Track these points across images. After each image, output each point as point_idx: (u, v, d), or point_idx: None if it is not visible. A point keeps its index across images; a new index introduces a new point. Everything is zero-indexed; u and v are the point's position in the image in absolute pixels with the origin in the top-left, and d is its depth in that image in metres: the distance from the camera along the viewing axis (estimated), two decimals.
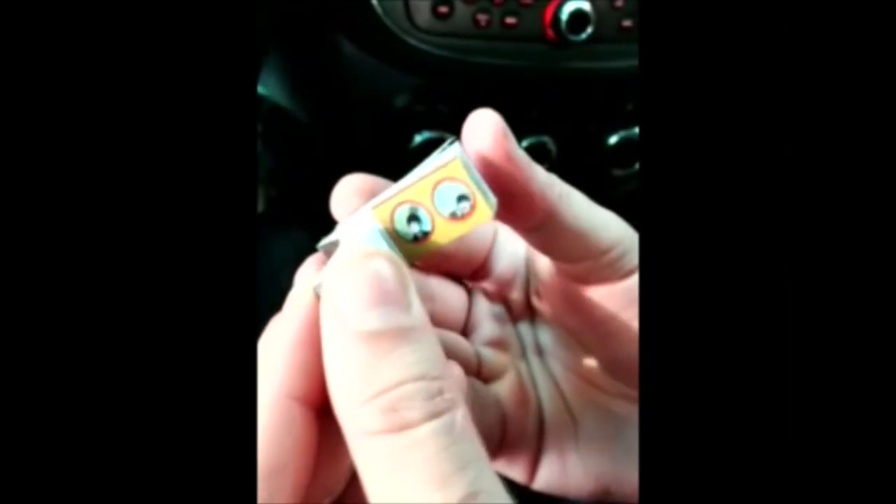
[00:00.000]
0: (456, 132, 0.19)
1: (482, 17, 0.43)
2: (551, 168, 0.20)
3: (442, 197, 0.18)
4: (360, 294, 0.15)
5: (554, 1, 0.43)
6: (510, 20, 0.44)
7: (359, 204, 0.19)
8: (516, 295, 0.25)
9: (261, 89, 0.48)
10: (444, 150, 0.18)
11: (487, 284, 0.25)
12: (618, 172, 0.54)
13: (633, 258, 0.21)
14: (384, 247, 0.18)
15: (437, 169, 0.18)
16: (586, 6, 0.43)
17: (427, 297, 0.24)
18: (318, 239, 0.19)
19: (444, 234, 0.18)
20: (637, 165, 0.54)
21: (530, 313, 0.26)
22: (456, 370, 0.21)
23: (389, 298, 0.15)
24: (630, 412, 0.23)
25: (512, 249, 0.25)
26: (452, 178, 0.18)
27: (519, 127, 0.19)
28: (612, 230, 0.20)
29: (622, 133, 0.52)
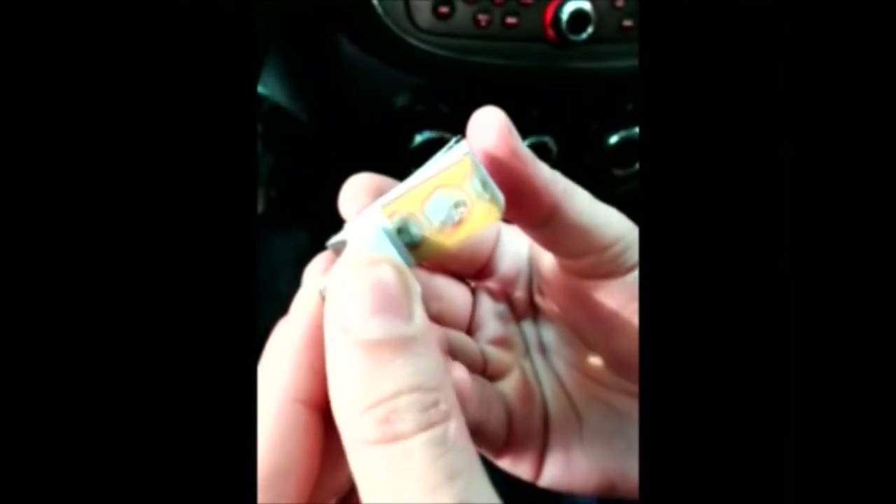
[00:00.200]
0: (456, 132, 0.19)
1: (483, 17, 0.43)
2: (552, 168, 0.20)
3: (450, 199, 0.18)
4: (363, 301, 0.16)
5: (554, 1, 0.43)
6: (511, 20, 0.44)
7: (367, 203, 0.20)
8: (519, 294, 0.26)
9: (261, 89, 0.48)
10: (450, 148, 0.18)
11: (491, 283, 0.26)
12: (618, 172, 0.54)
13: (636, 253, 0.21)
14: (391, 249, 0.18)
15: (446, 169, 0.18)
16: (587, 6, 0.43)
17: (433, 297, 0.24)
18: (319, 239, 0.19)
19: (452, 235, 0.18)
20: (637, 165, 0.54)
21: (533, 312, 0.26)
22: (459, 372, 0.21)
23: (392, 307, 0.16)
24: (633, 407, 0.24)
25: (515, 249, 0.25)
26: (460, 180, 0.18)
27: (519, 127, 0.19)
28: (615, 225, 0.21)
29: (622, 133, 0.52)
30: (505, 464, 0.24)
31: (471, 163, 0.18)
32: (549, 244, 0.22)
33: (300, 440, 0.16)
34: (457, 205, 0.18)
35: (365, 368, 0.15)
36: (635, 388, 0.23)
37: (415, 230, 0.18)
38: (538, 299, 0.26)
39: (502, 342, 0.25)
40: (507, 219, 0.20)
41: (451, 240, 0.19)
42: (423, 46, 0.43)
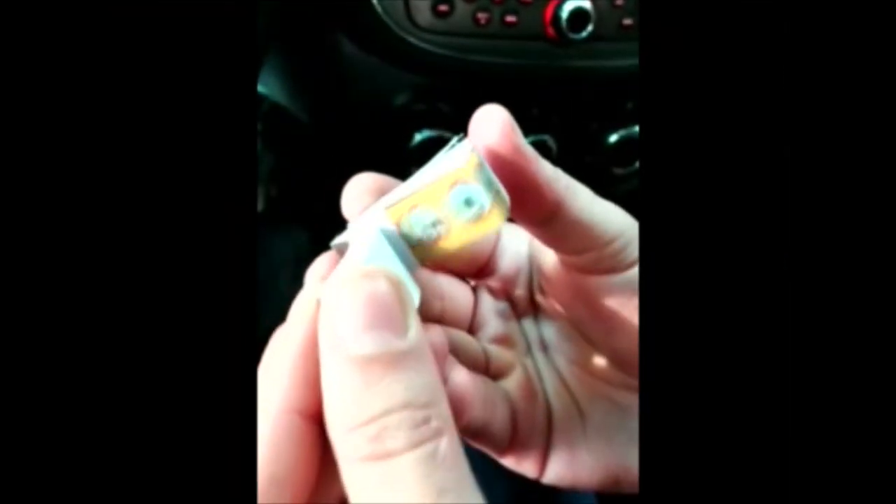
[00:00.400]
0: (456, 131, 0.19)
1: (482, 16, 0.43)
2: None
3: (456, 200, 0.18)
4: (357, 316, 0.15)
5: None
6: (510, 18, 0.44)
7: (369, 203, 0.19)
8: (520, 292, 0.26)
9: (261, 89, 0.48)
10: (452, 147, 0.18)
11: (492, 282, 0.26)
12: (618, 171, 0.54)
13: (637, 249, 0.21)
14: (391, 255, 0.18)
15: (451, 170, 0.17)
16: (587, 4, 0.43)
17: (436, 296, 0.24)
18: (319, 239, 0.19)
19: (456, 237, 0.18)
20: (637, 164, 0.54)
21: (534, 309, 0.26)
22: (460, 376, 0.21)
23: (385, 321, 0.16)
24: (635, 402, 0.24)
25: (515, 246, 0.25)
26: (466, 181, 0.17)
27: (519, 125, 0.19)
28: (616, 222, 0.21)
29: (622, 131, 0.52)
30: (509, 462, 0.24)
31: (477, 162, 0.17)
32: (550, 241, 0.22)
33: (295, 450, 0.16)
34: (473, 202, 0.18)
35: (356, 385, 0.15)
36: (637, 382, 0.24)
37: (419, 232, 0.18)
38: (538, 297, 0.26)
39: (504, 340, 0.25)
40: (510, 217, 0.20)
41: (456, 241, 0.18)
42: (423, 45, 0.43)
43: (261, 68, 0.45)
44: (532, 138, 0.49)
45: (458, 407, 0.21)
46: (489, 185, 0.18)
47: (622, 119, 0.52)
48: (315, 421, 0.17)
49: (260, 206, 0.49)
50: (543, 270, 0.25)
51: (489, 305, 0.26)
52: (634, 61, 0.46)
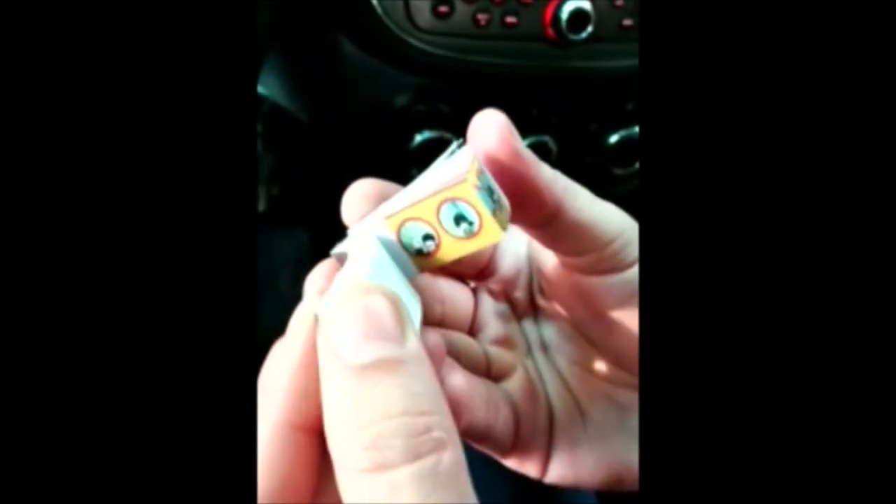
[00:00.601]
0: (456, 132, 0.19)
1: (482, 17, 0.43)
2: (552, 167, 0.20)
3: (447, 217, 0.18)
4: (355, 328, 0.16)
5: (554, 0, 0.43)
6: (510, 19, 0.44)
7: (369, 209, 0.20)
8: (520, 293, 0.26)
9: (261, 89, 0.48)
10: (452, 153, 0.18)
11: (492, 283, 0.26)
12: (618, 171, 0.54)
13: (636, 248, 0.21)
14: (390, 266, 0.18)
15: (452, 178, 0.17)
16: (586, 5, 0.43)
17: (437, 300, 0.24)
18: (319, 239, 0.19)
19: (450, 252, 0.18)
20: (637, 164, 0.54)
21: (533, 310, 0.26)
22: (458, 380, 0.21)
23: (383, 333, 0.16)
24: (636, 401, 0.24)
25: (514, 248, 0.25)
26: (457, 198, 0.17)
27: (519, 126, 0.19)
28: (615, 222, 0.21)
29: (622, 132, 0.52)
30: (512, 463, 0.24)
31: (478, 171, 0.17)
32: (550, 243, 0.22)
33: (293, 464, 0.16)
34: (463, 214, 0.18)
35: (354, 392, 0.15)
36: (637, 381, 0.24)
37: (416, 244, 0.18)
38: (538, 297, 0.26)
39: (505, 342, 0.25)
40: (510, 220, 0.20)
41: (450, 255, 0.18)
42: (423, 46, 0.43)
43: (261, 69, 0.45)
44: (532, 139, 0.49)
45: (457, 410, 0.21)
46: (490, 191, 0.18)
47: (622, 119, 0.52)
48: (313, 434, 0.17)
49: (261, 207, 0.49)
50: (543, 271, 0.25)
51: (489, 307, 0.26)
52: (634, 62, 0.46)
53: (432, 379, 0.16)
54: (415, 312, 0.19)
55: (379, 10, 0.41)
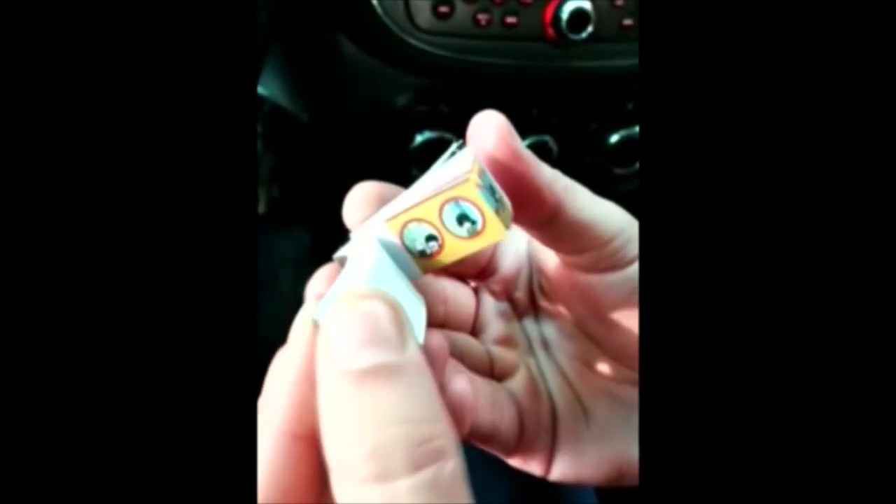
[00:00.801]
0: (457, 132, 0.19)
1: (482, 17, 0.43)
2: (551, 167, 0.20)
3: (449, 217, 0.18)
4: (353, 333, 0.15)
5: (554, 0, 0.43)
6: (510, 20, 0.44)
7: (370, 211, 0.19)
8: (520, 292, 0.26)
9: (261, 89, 0.48)
10: (452, 154, 0.18)
11: (493, 283, 0.26)
12: (618, 171, 0.54)
13: (636, 246, 0.21)
14: (391, 270, 0.18)
15: (454, 179, 0.17)
16: (587, 5, 0.43)
17: (439, 300, 0.24)
18: (319, 239, 0.19)
19: (454, 252, 0.18)
20: (637, 164, 0.54)
21: (534, 309, 0.26)
22: (460, 384, 0.21)
23: (382, 339, 0.15)
24: (637, 396, 0.24)
25: (515, 247, 0.25)
26: (460, 198, 0.17)
27: (520, 126, 0.19)
28: (615, 220, 0.21)
29: (623, 132, 0.52)
30: (516, 462, 0.24)
31: (479, 170, 0.17)
32: (550, 242, 0.22)
33: (294, 474, 0.16)
34: (466, 214, 0.18)
35: (353, 399, 0.15)
36: (638, 377, 0.24)
37: (418, 245, 0.18)
38: (539, 296, 0.26)
39: (506, 341, 0.25)
40: (513, 222, 0.20)
41: (454, 255, 0.18)
42: (423, 46, 0.43)
43: (261, 69, 0.45)
44: (532, 139, 0.49)
45: (462, 411, 0.21)
46: (492, 191, 0.18)
47: (622, 119, 0.52)
48: (315, 444, 0.16)
49: (261, 208, 0.49)
50: (543, 270, 0.25)
51: (491, 307, 0.26)
52: (634, 61, 0.46)
53: (432, 385, 0.15)
54: (419, 314, 0.19)
55: (379, 10, 0.41)
